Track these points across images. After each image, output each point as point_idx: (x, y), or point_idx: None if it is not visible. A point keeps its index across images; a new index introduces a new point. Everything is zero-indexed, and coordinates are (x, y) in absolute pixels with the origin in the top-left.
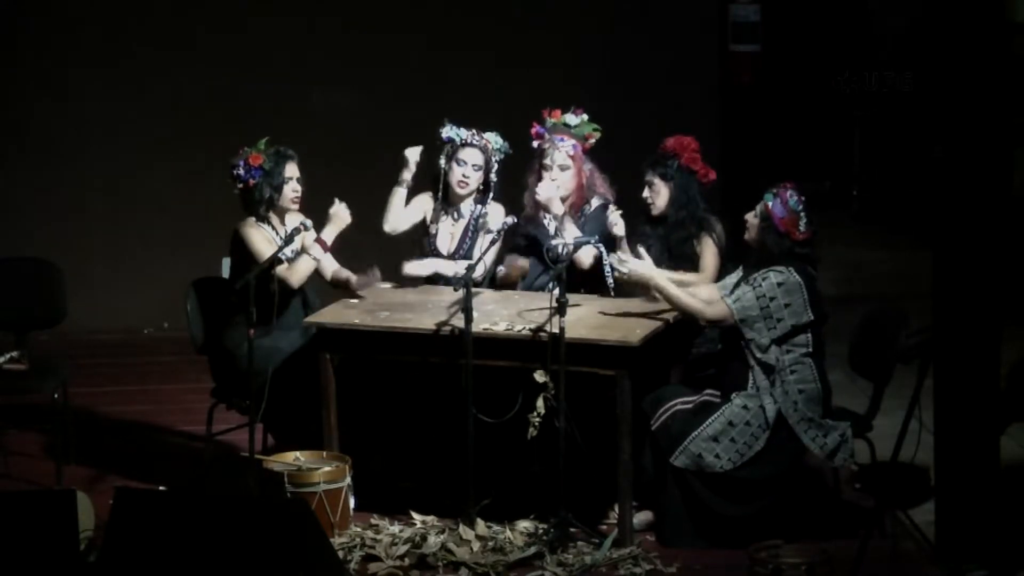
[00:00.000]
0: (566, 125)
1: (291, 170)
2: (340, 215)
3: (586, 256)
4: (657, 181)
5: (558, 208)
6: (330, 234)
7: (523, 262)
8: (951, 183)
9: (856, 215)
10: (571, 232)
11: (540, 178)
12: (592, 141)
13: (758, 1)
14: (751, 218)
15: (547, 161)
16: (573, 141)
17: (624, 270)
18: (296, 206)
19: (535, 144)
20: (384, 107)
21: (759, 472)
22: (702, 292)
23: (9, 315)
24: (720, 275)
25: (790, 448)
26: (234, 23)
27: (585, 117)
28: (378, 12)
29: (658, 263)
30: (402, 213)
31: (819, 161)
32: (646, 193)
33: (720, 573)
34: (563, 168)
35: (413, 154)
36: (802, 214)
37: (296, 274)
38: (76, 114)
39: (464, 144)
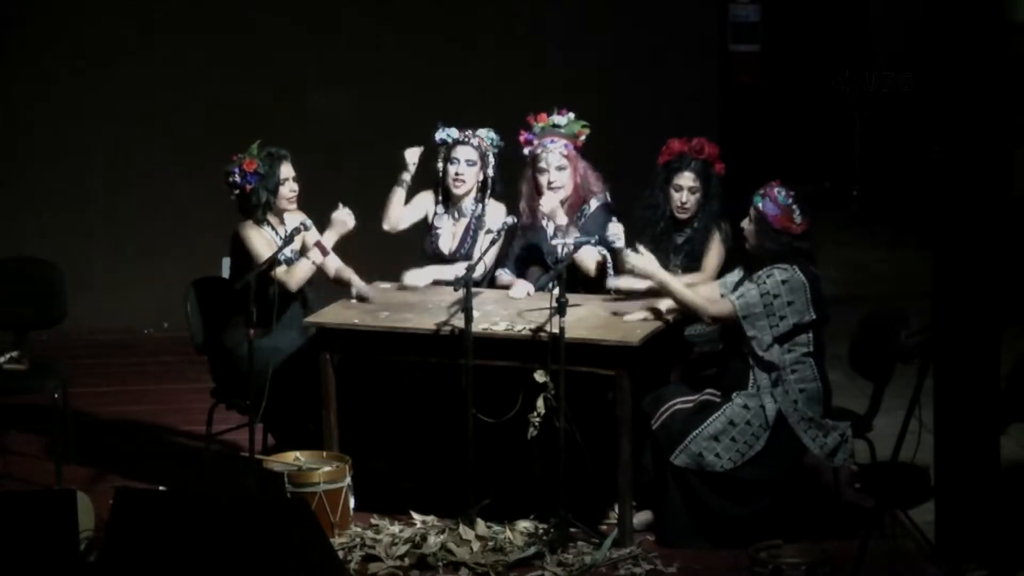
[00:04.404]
0: (555, 126)
1: (286, 170)
2: (343, 220)
3: (590, 261)
4: (699, 185)
5: (562, 220)
6: (330, 238)
7: (520, 287)
8: (951, 183)
9: (856, 215)
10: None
11: (536, 184)
12: (583, 138)
13: (758, 1)
14: (747, 225)
15: (542, 164)
16: (565, 141)
17: (629, 265)
18: (294, 205)
19: (526, 151)
20: (384, 107)
21: (759, 472)
22: (704, 290)
23: (9, 315)
24: (721, 276)
25: (790, 448)
26: (235, 24)
27: (572, 116)
28: (378, 12)
29: (667, 266)
30: (402, 212)
31: (819, 161)
32: (685, 196)
33: (720, 573)
34: (560, 169)
35: (412, 155)
36: (794, 207)
37: (294, 278)
38: (76, 114)
39: (456, 143)
